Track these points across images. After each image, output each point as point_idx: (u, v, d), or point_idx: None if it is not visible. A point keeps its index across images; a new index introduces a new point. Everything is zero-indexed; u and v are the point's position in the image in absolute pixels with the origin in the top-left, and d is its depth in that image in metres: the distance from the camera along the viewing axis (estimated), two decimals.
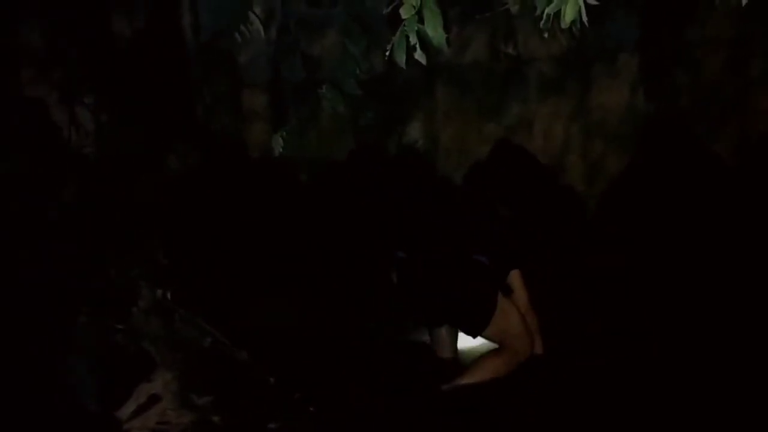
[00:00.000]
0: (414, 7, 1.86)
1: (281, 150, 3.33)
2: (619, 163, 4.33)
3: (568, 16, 1.90)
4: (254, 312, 3.42)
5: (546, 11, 1.94)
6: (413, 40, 1.96)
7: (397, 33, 1.96)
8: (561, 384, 3.05)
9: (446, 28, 2.09)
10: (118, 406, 2.78)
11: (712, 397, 2.85)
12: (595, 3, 1.89)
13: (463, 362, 3.25)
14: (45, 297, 2.98)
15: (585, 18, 1.91)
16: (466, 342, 3.29)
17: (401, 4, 1.92)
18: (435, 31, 1.93)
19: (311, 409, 2.94)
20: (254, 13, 3.74)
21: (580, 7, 1.90)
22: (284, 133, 3.33)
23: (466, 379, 3.09)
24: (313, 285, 3.28)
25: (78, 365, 2.83)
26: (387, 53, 2.05)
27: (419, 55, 2.00)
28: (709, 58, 4.26)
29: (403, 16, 1.89)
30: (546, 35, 2.19)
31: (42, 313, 2.92)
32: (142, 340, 2.98)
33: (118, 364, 2.93)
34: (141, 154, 3.85)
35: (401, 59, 2.04)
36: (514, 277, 3.16)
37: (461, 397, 3.03)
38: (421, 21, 1.92)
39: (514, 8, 2.86)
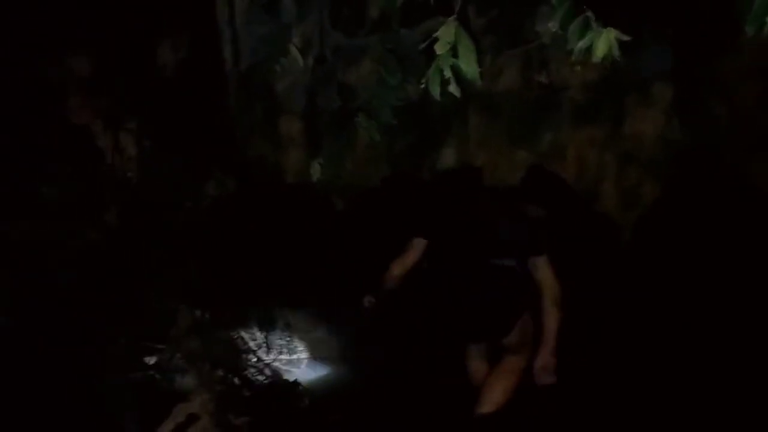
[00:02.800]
0: (448, 43, 1.91)
1: (318, 176, 3.38)
2: (653, 191, 4.31)
3: (600, 50, 1.93)
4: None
5: (578, 46, 1.97)
6: (447, 74, 2.00)
7: (432, 67, 2.01)
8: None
9: (479, 58, 2.12)
10: (157, 425, 2.83)
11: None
12: (627, 38, 1.92)
13: None
14: (87, 318, 3.04)
15: (617, 52, 1.93)
16: None
17: (436, 39, 1.97)
18: (469, 66, 1.98)
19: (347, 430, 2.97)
20: (293, 42, 3.82)
21: (611, 41, 1.93)
22: (321, 160, 3.38)
23: (491, 405, 3.06)
24: (349, 310, 3.30)
25: (118, 385, 2.88)
26: (422, 85, 2.10)
27: (454, 89, 2.04)
28: (743, 87, 4.23)
29: (438, 52, 1.94)
30: (578, 68, 2.21)
31: (83, 334, 2.98)
32: (180, 360, 3.04)
33: (158, 384, 2.99)
34: (181, 179, 3.93)
35: (436, 92, 2.09)
36: (542, 267, 3.00)
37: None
38: (455, 55, 1.97)
39: (547, 39, 2.89)
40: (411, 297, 3.13)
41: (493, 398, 3.07)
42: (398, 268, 3.07)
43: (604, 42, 1.92)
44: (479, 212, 3.14)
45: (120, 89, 3.74)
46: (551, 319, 2.96)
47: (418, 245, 3.08)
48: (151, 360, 3.05)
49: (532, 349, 3.04)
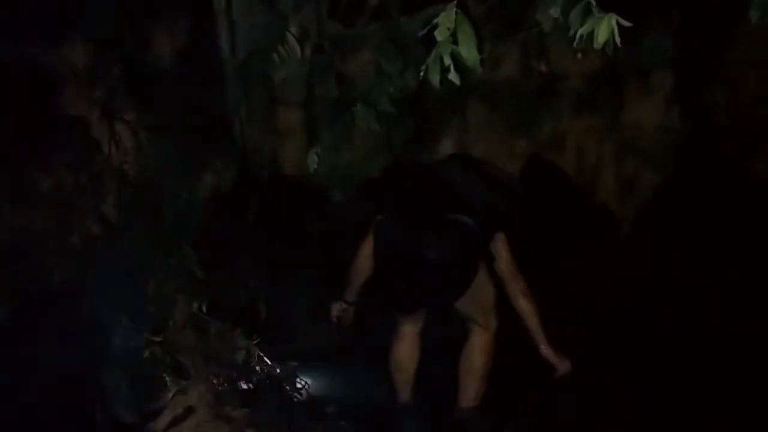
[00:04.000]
0: (449, 29, 1.89)
1: (316, 167, 3.36)
2: (653, 181, 4.30)
3: (601, 37, 1.91)
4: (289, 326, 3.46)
5: (579, 32, 1.95)
6: (447, 61, 1.98)
7: (432, 54, 1.99)
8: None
9: (479, 47, 2.10)
10: (153, 417, 2.82)
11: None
12: (629, 25, 1.90)
13: None
14: (82, 309, 3.03)
15: (618, 39, 1.91)
16: None
17: (436, 25, 1.94)
18: (469, 53, 1.95)
19: (343, 423, 2.96)
20: (290, 32, 3.80)
21: (613, 27, 1.91)
22: (319, 150, 3.36)
23: (476, 397, 3.03)
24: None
25: (114, 377, 2.87)
26: (421, 73, 2.08)
27: (453, 76, 2.02)
28: (744, 76, 4.22)
29: (438, 39, 1.91)
30: (579, 55, 2.19)
31: (79, 325, 2.97)
32: (177, 353, 3.02)
33: (154, 376, 2.98)
34: (178, 169, 3.91)
35: (435, 80, 2.06)
36: (499, 242, 2.92)
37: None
38: (455, 42, 1.94)
39: (548, 26, 2.86)
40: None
41: (476, 388, 3.03)
42: (363, 259, 2.99)
43: (606, 28, 1.90)
44: (443, 173, 3.10)
45: (116, 79, 3.71)
46: (523, 311, 2.88)
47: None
48: (148, 352, 3.03)
49: (495, 322, 3.00)
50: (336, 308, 3.11)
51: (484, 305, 3.01)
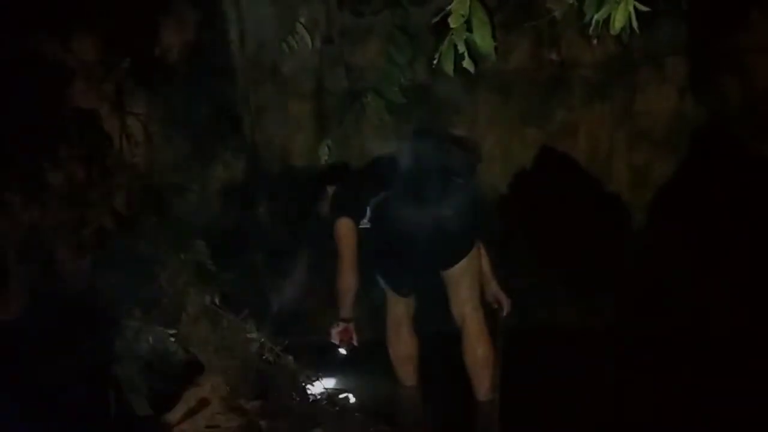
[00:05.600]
0: (463, 16, 1.86)
1: (326, 158, 3.35)
2: (666, 169, 4.27)
3: (618, 22, 1.87)
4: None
5: (595, 18, 1.92)
6: (461, 48, 1.95)
7: (445, 42, 1.96)
8: None
9: (492, 35, 2.07)
10: (168, 409, 2.82)
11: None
12: (646, 9, 1.87)
13: None
14: (97, 302, 3.03)
15: (635, 24, 1.88)
16: None
17: (449, 13, 1.91)
18: (483, 39, 1.92)
19: (356, 414, 2.95)
20: (300, 23, 3.78)
21: (630, 13, 1.88)
22: (329, 141, 3.35)
23: (489, 376, 3.05)
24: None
25: (129, 370, 2.87)
26: (434, 62, 2.05)
27: (467, 64, 1.99)
28: (757, 63, 4.17)
29: (452, 25, 1.88)
30: (595, 41, 2.16)
31: (92, 318, 2.97)
32: (191, 345, 3.02)
33: (168, 369, 2.98)
34: (188, 162, 3.91)
35: (449, 68, 2.04)
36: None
37: None
38: (469, 30, 1.91)
39: (560, 14, 2.83)
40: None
41: (490, 376, 3.05)
42: (348, 273, 3.03)
43: (622, 13, 1.87)
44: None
45: (126, 73, 3.71)
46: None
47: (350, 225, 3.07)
48: (162, 345, 3.03)
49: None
50: (336, 332, 3.11)
51: (479, 276, 3.09)
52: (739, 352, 3.31)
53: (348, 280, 3.04)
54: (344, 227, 3.06)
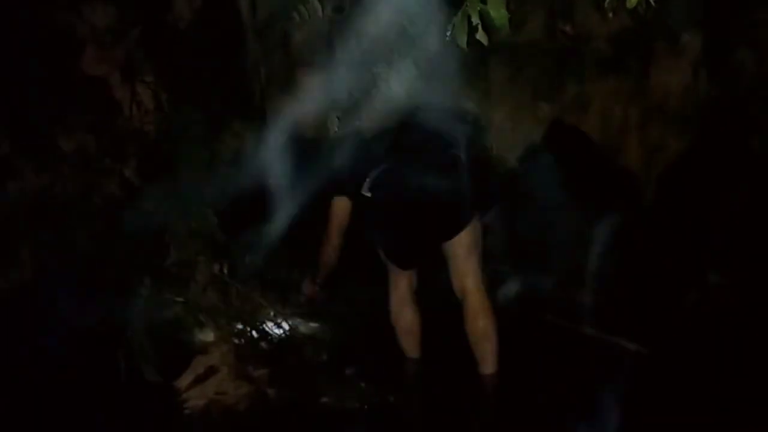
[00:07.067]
0: None
1: (336, 129, 3.33)
2: (679, 145, 4.23)
3: None
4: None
5: None
6: (475, 20, 1.93)
7: (459, 13, 1.94)
8: None
9: (507, 7, 2.05)
10: (176, 376, 2.86)
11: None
12: None
13: None
14: (106, 270, 3.05)
15: None
16: None
17: None
18: (498, 11, 1.90)
19: (362, 384, 2.98)
20: None
21: None
22: (339, 113, 3.33)
23: (491, 350, 3.05)
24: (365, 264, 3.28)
25: (138, 337, 2.90)
26: (448, 33, 2.03)
27: (481, 36, 1.97)
28: None
29: None
30: (611, 15, 2.13)
31: (102, 286, 2.99)
32: (199, 313, 3.05)
33: (177, 337, 3.01)
34: (199, 131, 3.90)
35: (462, 40, 2.02)
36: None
37: None
38: (483, 1, 1.89)
39: None
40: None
41: (492, 350, 3.05)
42: (334, 237, 3.12)
43: None
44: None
45: (136, 41, 3.69)
46: None
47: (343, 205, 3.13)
48: (171, 312, 3.06)
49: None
50: (305, 285, 3.24)
51: (478, 249, 3.07)
52: (746, 326, 3.30)
53: (326, 254, 3.16)
54: (336, 206, 3.16)
